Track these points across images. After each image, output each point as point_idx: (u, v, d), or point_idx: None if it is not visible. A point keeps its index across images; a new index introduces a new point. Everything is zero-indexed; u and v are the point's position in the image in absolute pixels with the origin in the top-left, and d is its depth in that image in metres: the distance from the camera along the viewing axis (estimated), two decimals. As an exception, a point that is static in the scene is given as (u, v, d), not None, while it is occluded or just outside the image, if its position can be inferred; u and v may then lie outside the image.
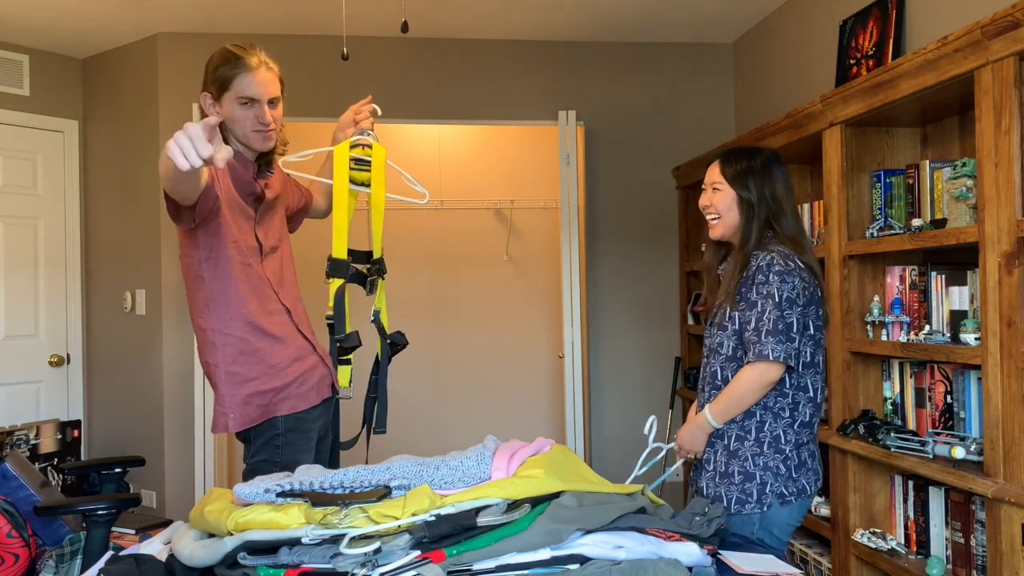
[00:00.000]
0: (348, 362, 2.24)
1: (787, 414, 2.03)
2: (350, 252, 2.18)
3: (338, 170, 2.14)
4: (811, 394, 2.05)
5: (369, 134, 2.19)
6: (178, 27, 4.07)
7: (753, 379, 1.98)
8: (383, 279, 2.26)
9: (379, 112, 2.30)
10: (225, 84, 1.99)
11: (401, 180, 2.35)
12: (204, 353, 2.07)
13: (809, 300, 2.00)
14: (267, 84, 2.01)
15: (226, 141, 2.02)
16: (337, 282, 2.15)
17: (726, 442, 2.07)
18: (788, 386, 2.03)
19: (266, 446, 2.05)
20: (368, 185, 2.16)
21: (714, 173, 2.15)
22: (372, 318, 2.25)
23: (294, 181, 2.35)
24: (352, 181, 2.15)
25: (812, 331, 2.02)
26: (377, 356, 2.25)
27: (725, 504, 2.03)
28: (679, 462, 2.25)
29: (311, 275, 3.62)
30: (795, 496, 2.02)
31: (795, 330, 1.97)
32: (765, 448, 2.02)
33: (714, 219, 2.14)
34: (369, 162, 2.15)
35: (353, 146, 2.16)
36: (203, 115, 2.06)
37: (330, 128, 4.27)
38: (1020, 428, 1.96)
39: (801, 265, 2.01)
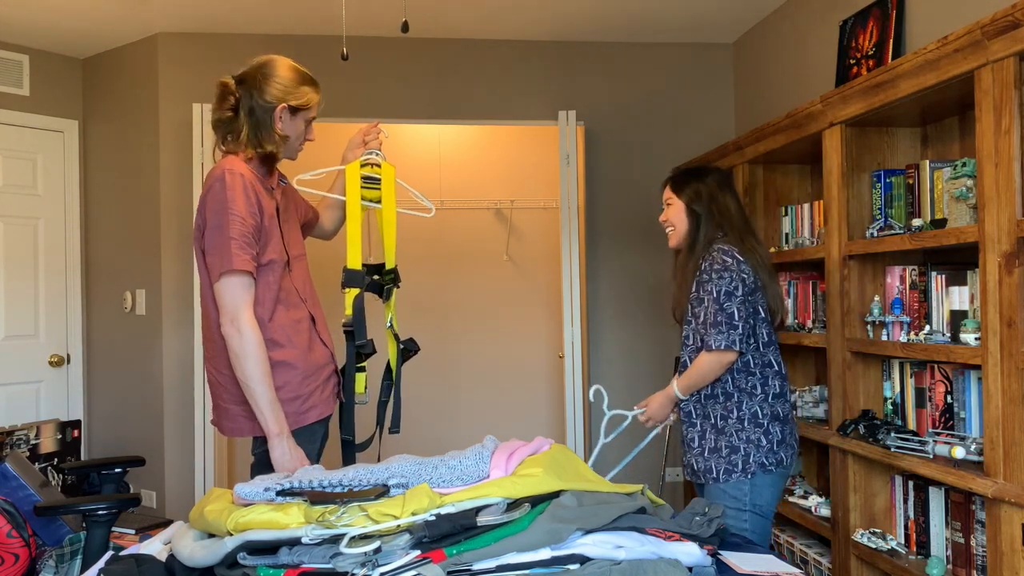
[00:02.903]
0: (363, 369, 2.31)
1: (759, 391, 2.30)
2: (363, 266, 2.27)
3: (351, 186, 2.26)
4: (776, 368, 2.33)
5: (377, 154, 2.32)
6: (178, 27, 4.07)
7: (711, 361, 2.26)
8: (398, 287, 2.36)
9: (387, 135, 2.44)
10: (307, 105, 2.14)
11: (407, 191, 2.49)
12: (224, 362, 2.05)
13: (751, 288, 2.26)
14: None
15: (276, 156, 2.14)
16: (354, 292, 2.22)
17: (713, 421, 2.33)
18: (754, 365, 2.30)
19: None
20: (378, 202, 2.29)
21: (667, 192, 2.48)
22: (388, 325, 2.35)
23: (299, 195, 2.41)
24: (362, 198, 2.27)
25: (763, 314, 2.31)
26: (388, 362, 2.35)
27: (715, 475, 2.30)
28: (654, 431, 2.59)
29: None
30: (775, 466, 2.28)
31: (737, 318, 2.23)
32: (746, 424, 2.29)
33: (670, 230, 2.47)
34: (379, 180, 2.28)
35: (363, 165, 2.28)
36: (219, 113, 2.11)
37: (330, 128, 4.28)
38: (1020, 428, 1.96)
39: (740, 259, 2.26)
